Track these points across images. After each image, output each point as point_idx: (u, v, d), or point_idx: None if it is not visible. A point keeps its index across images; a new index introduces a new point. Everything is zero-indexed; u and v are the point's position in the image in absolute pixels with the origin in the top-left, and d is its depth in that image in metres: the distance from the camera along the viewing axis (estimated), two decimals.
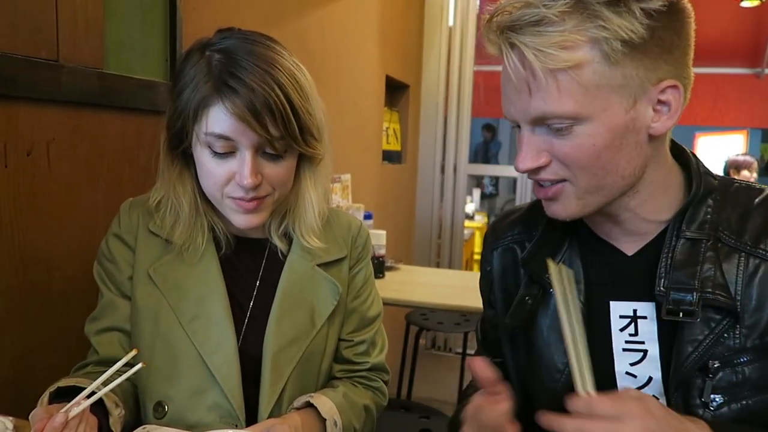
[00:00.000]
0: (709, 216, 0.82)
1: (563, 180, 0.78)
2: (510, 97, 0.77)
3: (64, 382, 0.88)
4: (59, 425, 0.71)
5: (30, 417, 0.75)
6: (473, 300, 1.93)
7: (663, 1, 0.71)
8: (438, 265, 3.96)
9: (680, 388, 0.80)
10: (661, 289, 0.80)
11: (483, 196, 7.47)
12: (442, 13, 3.78)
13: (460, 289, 2.38)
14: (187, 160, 0.98)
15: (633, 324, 0.84)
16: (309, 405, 0.97)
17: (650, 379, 0.83)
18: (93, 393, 0.77)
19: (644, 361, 0.83)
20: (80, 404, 0.75)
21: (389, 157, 3.52)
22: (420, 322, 2.87)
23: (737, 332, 0.78)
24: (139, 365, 0.81)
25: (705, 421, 0.70)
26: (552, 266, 0.74)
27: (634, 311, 0.84)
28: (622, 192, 0.80)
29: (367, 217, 2.63)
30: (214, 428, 0.92)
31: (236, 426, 0.94)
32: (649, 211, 0.83)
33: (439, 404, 1.95)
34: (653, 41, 0.71)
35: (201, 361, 0.95)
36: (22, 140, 1.08)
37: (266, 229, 1.04)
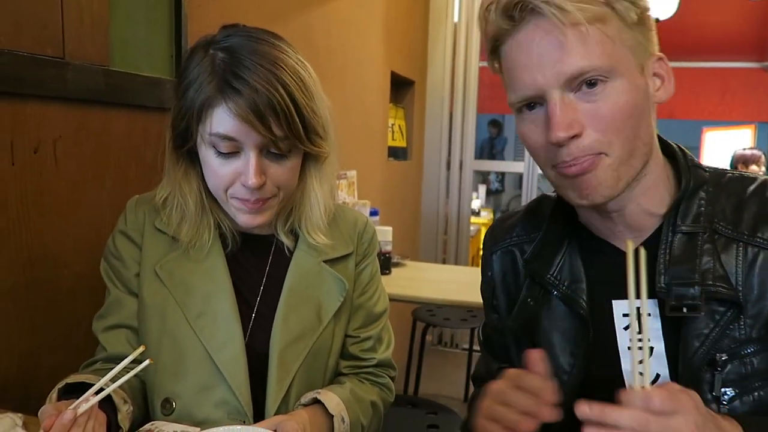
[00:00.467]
0: (703, 208, 0.81)
1: (598, 153, 0.76)
2: (534, 65, 0.74)
3: (72, 379, 0.88)
4: (68, 422, 0.71)
5: (39, 413, 0.75)
6: (480, 296, 1.92)
7: None
8: (444, 262, 3.96)
9: (690, 384, 0.79)
10: (662, 285, 0.79)
11: (489, 193, 7.45)
12: (447, 9, 3.76)
13: (466, 284, 2.37)
14: (192, 159, 0.98)
15: (636, 322, 0.84)
16: (316, 401, 0.97)
17: (658, 376, 0.82)
18: (101, 389, 0.78)
19: (650, 358, 0.82)
20: (89, 401, 0.75)
21: (395, 153, 3.52)
22: (426, 319, 2.86)
23: (742, 323, 0.78)
24: (147, 362, 0.81)
25: (736, 419, 0.69)
26: (630, 246, 0.69)
27: (637, 309, 0.84)
28: (642, 163, 0.79)
29: (373, 213, 2.63)
30: (221, 425, 0.92)
31: (244, 422, 0.94)
32: (650, 203, 0.83)
33: (446, 400, 1.95)
34: (645, 17, 0.77)
35: (208, 358, 0.95)
36: (29, 138, 1.08)
37: (272, 226, 1.04)
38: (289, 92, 0.87)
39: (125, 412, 0.87)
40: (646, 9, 0.78)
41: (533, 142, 0.79)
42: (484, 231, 5.16)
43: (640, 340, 0.83)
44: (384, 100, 3.18)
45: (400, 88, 3.60)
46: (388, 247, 2.45)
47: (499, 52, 0.80)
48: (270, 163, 0.91)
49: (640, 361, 0.83)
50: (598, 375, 0.85)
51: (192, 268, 0.99)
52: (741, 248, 0.79)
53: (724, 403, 0.78)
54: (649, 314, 0.82)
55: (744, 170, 3.92)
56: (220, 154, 0.90)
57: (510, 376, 0.76)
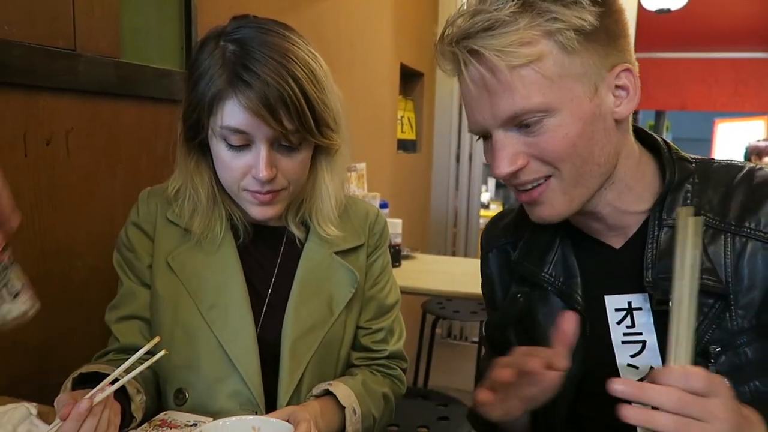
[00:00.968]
0: (689, 201, 0.81)
1: (547, 177, 0.78)
2: (475, 106, 0.77)
3: (86, 369, 0.89)
4: (84, 411, 0.72)
5: (55, 403, 0.76)
6: None
7: None
8: (454, 255, 3.95)
9: None
10: (649, 279, 0.80)
11: (498, 186, 7.42)
12: (457, 0, 3.74)
13: (476, 276, 2.34)
14: (203, 151, 0.98)
15: (629, 316, 0.84)
16: (328, 393, 0.97)
17: (652, 369, 0.82)
18: (116, 380, 0.78)
19: (644, 351, 0.83)
20: (104, 390, 0.75)
21: (404, 146, 3.51)
22: (436, 311, 2.86)
23: (733, 314, 0.78)
24: (162, 352, 0.81)
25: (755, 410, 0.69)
26: (681, 213, 0.67)
27: (629, 303, 0.84)
28: (600, 182, 0.80)
29: (383, 206, 2.62)
30: (234, 415, 0.92)
31: (256, 413, 0.94)
32: (627, 203, 0.83)
33: (456, 393, 1.95)
34: (602, 29, 0.73)
35: (220, 349, 0.95)
36: (41, 130, 1.09)
37: (283, 218, 1.04)
38: (300, 85, 0.87)
39: (138, 402, 0.88)
40: (611, 15, 0.75)
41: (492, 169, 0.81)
42: None
43: (631, 333, 0.83)
44: (393, 92, 3.17)
45: (410, 80, 3.59)
46: (398, 240, 2.45)
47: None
48: (281, 156, 0.91)
49: (635, 354, 0.83)
50: (592, 370, 0.86)
51: (204, 260, 0.99)
52: (729, 239, 0.79)
53: None
54: (641, 308, 0.83)
55: (757, 162, 3.89)
56: (231, 146, 0.90)
57: (519, 351, 0.76)
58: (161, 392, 1.01)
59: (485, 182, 5.93)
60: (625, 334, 0.84)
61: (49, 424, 0.79)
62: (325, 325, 1.01)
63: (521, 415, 0.78)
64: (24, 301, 0.70)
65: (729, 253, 0.78)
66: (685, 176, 0.82)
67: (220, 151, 0.91)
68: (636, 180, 0.83)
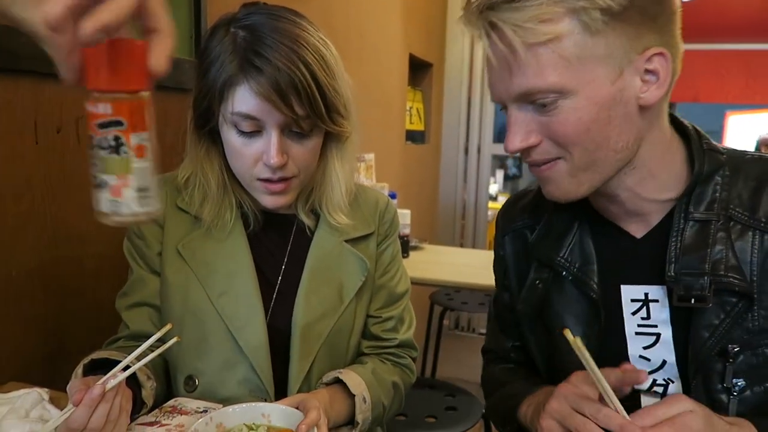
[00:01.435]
0: (718, 194, 0.78)
1: (556, 158, 0.76)
2: (494, 77, 0.76)
3: (97, 355, 0.89)
4: (97, 397, 0.72)
5: (68, 389, 0.76)
6: None
7: None
8: (461, 246, 3.94)
9: (700, 373, 0.78)
10: (671, 274, 0.78)
11: (506, 178, 7.40)
12: None
13: (484, 268, 2.34)
14: (214, 139, 0.98)
15: (645, 308, 0.82)
16: (338, 381, 0.97)
17: (664, 362, 0.82)
18: (128, 366, 0.78)
19: (657, 344, 0.82)
20: (116, 377, 0.76)
21: (412, 137, 3.50)
22: (444, 302, 2.86)
23: (755, 314, 0.76)
24: (174, 339, 0.81)
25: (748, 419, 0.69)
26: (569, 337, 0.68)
27: (646, 295, 0.83)
28: (617, 168, 0.77)
29: (392, 196, 2.62)
30: (243, 402, 0.92)
31: (265, 400, 0.94)
32: (649, 190, 0.80)
33: (463, 384, 1.95)
34: (635, 8, 0.69)
35: (230, 336, 0.96)
36: (52, 117, 1.09)
37: (293, 206, 1.04)
38: (311, 71, 0.86)
39: (149, 388, 0.88)
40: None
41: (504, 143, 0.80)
42: None
43: (646, 325, 0.82)
44: (402, 83, 3.16)
45: (418, 70, 3.57)
46: (406, 231, 2.45)
47: None
48: (292, 142, 0.91)
49: (648, 347, 0.82)
50: (603, 359, 0.84)
51: (214, 248, 0.99)
52: (757, 236, 0.76)
53: (735, 393, 0.77)
54: (658, 301, 0.81)
55: None
56: (242, 133, 0.90)
57: (579, 380, 0.73)
58: (171, 379, 1.01)
59: (493, 174, 5.91)
60: (639, 326, 0.83)
61: (61, 409, 0.79)
62: (335, 313, 1.01)
63: None
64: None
65: (756, 250, 0.76)
66: (715, 168, 0.79)
67: (231, 138, 0.91)
68: (662, 168, 0.80)
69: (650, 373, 0.82)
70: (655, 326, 0.82)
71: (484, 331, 3.47)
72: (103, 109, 0.52)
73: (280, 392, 0.97)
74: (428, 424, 1.68)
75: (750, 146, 4.27)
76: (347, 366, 1.03)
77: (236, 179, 0.98)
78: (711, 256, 0.76)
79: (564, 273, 0.87)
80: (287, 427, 0.80)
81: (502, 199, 5.72)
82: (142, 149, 0.54)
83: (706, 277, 0.75)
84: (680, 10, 0.75)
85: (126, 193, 0.54)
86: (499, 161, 7.39)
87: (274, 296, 1.00)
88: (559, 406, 0.71)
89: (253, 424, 0.80)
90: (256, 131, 0.89)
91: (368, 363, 1.04)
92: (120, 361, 0.78)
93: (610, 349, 0.84)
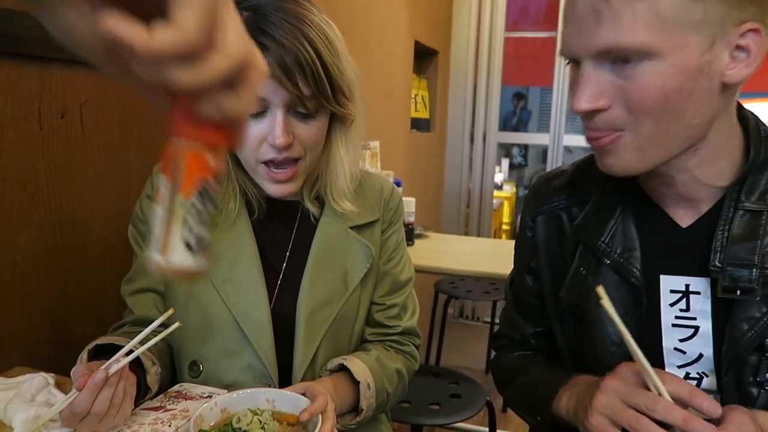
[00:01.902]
0: None
1: (620, 130, 0.71)
2: (574, 27, 0.70)
3: (102, 340, 0.89)
4: (100, 381, 0.72)
5: (72, 373, 0.76)
6: (503, 267, 1.91)
7: None
8: (466, 234, 3.94)
9: (733, 367, 0.76)
10: (717, 264, 0.75)
11: (512, 167, 7.38)
12: None
13: (489, 256, 2.36)
14: None
15: (684, 299, 0.80)
16: (342, 368, 0.97)
17: (701, 356, 0.79)
18: (131, 351, 0.79)
19: (695, 337, 0.79)
20: (120, 362, 0.76)
21: (418, 124, 3.48)
22: (449, 291, 2.86)
23: None
24: (176, 324, 0.81)
25: None
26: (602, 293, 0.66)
27: (687, 286, 0.80)
28: (685, 146, 0.73)
29: (396, 184, 2.61)
30: (248, 388, 0.93)
31: (269, 386, 0.94)
32: (706, 175, 0.77)
33: (467, 372, 1.95)
34: None
35: (234, 323, 0.96)
36: (56, 102, 1.09)
37: (298, 193, 1.03)
38: (316, 48, 0.86)
39: (154, 373, 0.89)
40: None
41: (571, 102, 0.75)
42: (506, 205, 5.11)
43: (684, 317, 0.79)
44: (407, 71, 3.14)
45: (424, 58, 3.55)
46: (411, 218, 2.44)
47: None
48: (297, 122, 0.90)
49: (685, 339, 0.80)
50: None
51: (218, 236, 0.99)
52: None
53: (767, 387, 0.75)
54: (699, 293, 0.78)
55: None
56: None
57: (628, 372, 0.71)
58: (176, 364, 1.02)
59: (499, 163, 5.90)
60: (677, 317, 0.80)
61: (66, 393, 0.80)
62: (339, 299, 1.00)
63: None
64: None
65: None
66: None
67: None
68: (723, 153, 0.76)
69: (684, 366, 0.80)
70: (694, 318, 0.79)
71: (488, 319, 3.50)
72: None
73: (284, 379, 0.97)
74: (432, 412, 1.68)
75: None
76: (351, 353, 1.03)
77: (240, 167, 0.98)
78: (761, 248, 0.73)
79: (605, 259, 0.83)
80: (292, 412, 0.80)
81: (507, 188, 5.73)
82: None
83: (754, 269, 0.73)
84: None
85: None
86: (505, 150, 7.37)
87: (279, 283, 1.00)
88: (609, 400, 0.68)
89: (258, 409, 0.80)
90: (261, 112, 0.89)
91: (372, 350, 1.04)
92: (124, 347, 0.78)
93: (643, 341, 0.81)
